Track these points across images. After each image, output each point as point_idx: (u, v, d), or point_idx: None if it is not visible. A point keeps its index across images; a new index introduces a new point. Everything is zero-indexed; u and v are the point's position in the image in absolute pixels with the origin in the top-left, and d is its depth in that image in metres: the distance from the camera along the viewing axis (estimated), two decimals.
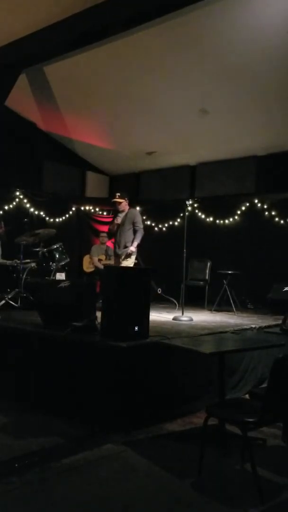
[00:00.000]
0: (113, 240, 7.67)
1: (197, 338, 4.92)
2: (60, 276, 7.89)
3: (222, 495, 3.14)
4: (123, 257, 7.03)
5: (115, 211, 7.42)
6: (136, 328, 4.54)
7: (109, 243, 10.31)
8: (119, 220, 7.18)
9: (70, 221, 10.45)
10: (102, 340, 4.57)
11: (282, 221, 8.70)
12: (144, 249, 10.19)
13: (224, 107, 7.57)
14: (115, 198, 7.28)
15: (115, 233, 7.28)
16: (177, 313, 6.81)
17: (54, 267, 7.70)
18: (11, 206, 9.29)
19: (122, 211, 7.20)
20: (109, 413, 4.24)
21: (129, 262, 7.02)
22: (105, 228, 10.18)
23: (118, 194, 7.36)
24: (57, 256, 7.78)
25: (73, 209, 10.50)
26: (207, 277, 8.70)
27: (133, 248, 7.02)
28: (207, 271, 8.75)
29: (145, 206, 10.56)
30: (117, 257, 7.17)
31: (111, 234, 10.73)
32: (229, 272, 7.89)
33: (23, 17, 6.10)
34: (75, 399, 4.51)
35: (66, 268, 8.08)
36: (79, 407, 4.43)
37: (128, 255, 7.00)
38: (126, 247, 7.04)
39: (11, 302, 6.99)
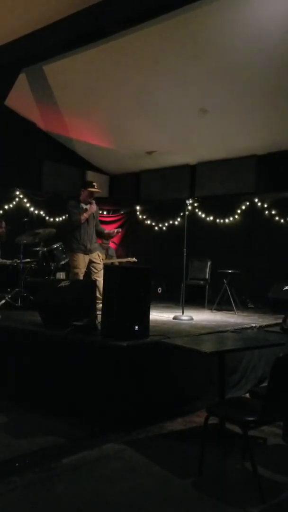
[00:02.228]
0: (112, 240, 7.40)
1: (197, 337, 4.92)
2: (60, 275, 7.89)
3: (223, 494, 3.14)
4: (100, 253, 6.89)
5: (80, 202, 6.88)
6: (136, 327, 4.54)
7: (111, 244, 10.31)
8: (92, 210, 6.81)
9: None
10: (102, 339, 4.57)
11: (282, 220, 8.70)
12: (144, 248, 10.23)
13: (223, 106, 7.56)
14: (97, 188, 6.99)
15: (82, 226, 6.74)
16: (178, 313, 6.81)
17: (54, 267, 7.70)
18: (11, 205, 9.30)
19: (91, 203, 6.86)
20: (110, 412, 4.24)
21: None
22: (105, 228, 10.14)
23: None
24: (57, 255, 7.77)
25: None
26: (207, 277, 8.70)
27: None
28: (207, 271, 8.75)
29: (145, 206, 10.58)
30: (91, 252, 6.78)
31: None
32: (229, 271, 7.89)
33: (22, 16, 6.09)
34: (75, 399, 4.51)
35: (66, 267, 8.08)
36: (79, 406, 4.43)
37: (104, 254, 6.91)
38: (95, 243, 6.91)
39: (11, 301, 7.00)
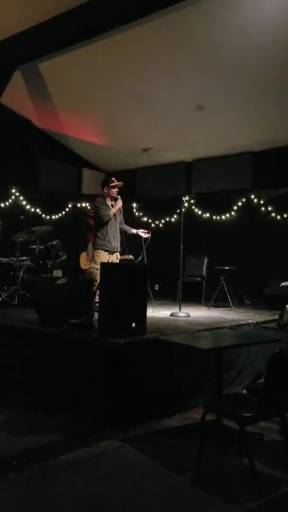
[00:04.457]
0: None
1: (194, 334, 4.93)
2: (57, 273, 7.88)
3: (220, 489, 3.15)
4: (118, 255, 6.76)
5: (106, 199, 6.70)
6: (133, 324, 4.54)
7: None
8: (119, 205, 6.66)
9: (67, 218, 10.43)
10: (99, 336, 4.57)
11: (278, 217, 8.71)
12: (141, 245, 10.21)
13: (219, 103, 7.56)
14: (118, 181, 6.81)
15: (109, 223, 6.59)
16: (175, 309, 6.81)
17: (51, 264, 7.69)
18: (7, 203, 9.28)
19: (117, 198, 6.69)
20: (107, 409, 4.24)
21: None
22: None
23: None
24: (54, 253, 7.76)
25: (70, 206, 10.49)
26: (204, 273, 8.70)
27: None
28: (204, 267, 8.75)
29: (142, 203, 10.57)
30: (112, 253, 6.64)
31: None
32: (226, 268, 7.89)
33: (18, 13, 6.08)
34: (72, 396, 4.51)
35: (63, 265, 8.07)
36: (76, 404, 4.43)
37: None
38: (119, 241, 6.75)
39: (8, 299, 6.99)
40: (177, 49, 6.54)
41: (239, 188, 8.97)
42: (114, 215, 6.65)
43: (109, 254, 6.62)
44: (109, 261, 6.55)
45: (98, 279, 5.88)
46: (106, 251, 6.59)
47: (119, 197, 6.74)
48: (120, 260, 8.99)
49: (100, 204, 6.67)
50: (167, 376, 4.66)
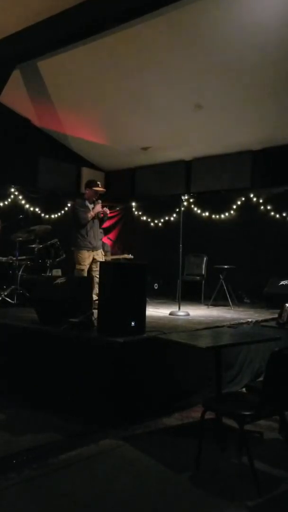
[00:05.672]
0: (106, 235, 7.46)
1: (193, 333, 4.93)
2: (56, 272, 7.89)
3: (220, 488, 3.15)
4: (102, 252, 7.05)
5: (86, 201, 7.04)
6: (132, 323, 4.54)
7: (105, 239, 10.31)
8: (98, 210, 6.96)
9: (66, 218, 10.43)
10: (98, 335, 4.57)
11: (277, 215, 8.71)
12: (140, 245, 10.23)
13: (218, 102, 7.55)
14: (102, 187, 7.17)
15: (88, 224, 6.87)
16: (174, 308, 6.82)
17: (50, 264, 7.69)
18: (6, 202, 9.28)
19: (97, 201, 7.01)
20: (107, 408, 4.24)
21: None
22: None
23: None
24: (53, 252, 7.76)
25: (69, 205, 10.48)
26: (203, 272, 8.72)
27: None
28: (204, 266, 8.76)
29: (141, 202, 10.58)
30: (96, 249, 6.92)
31: (107, 230, 10.75)
32: (225, 266, 7.90)
33: (16, 12, 6.06)
34: (72, 395, 4.51)
35: (62, 264, 8.07)
36: (76, 403, 4.43)
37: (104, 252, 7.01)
38: (100, 240, 7.07)
39: (7, 299, 6.99)
40: (176, 48, 6.53)
41: (238, 187, 8.97)
42: (93, 217, 6.90)
43: (92, 251, 6.87)
44: (93, 259, 6.86)
45: None
46: (88, 250, 6.84)
47: (99, 201, 7.02)
48: (119, 259, 9.04)
49: (79, 206, 6.98)
50: (167, 375, 4.66)
